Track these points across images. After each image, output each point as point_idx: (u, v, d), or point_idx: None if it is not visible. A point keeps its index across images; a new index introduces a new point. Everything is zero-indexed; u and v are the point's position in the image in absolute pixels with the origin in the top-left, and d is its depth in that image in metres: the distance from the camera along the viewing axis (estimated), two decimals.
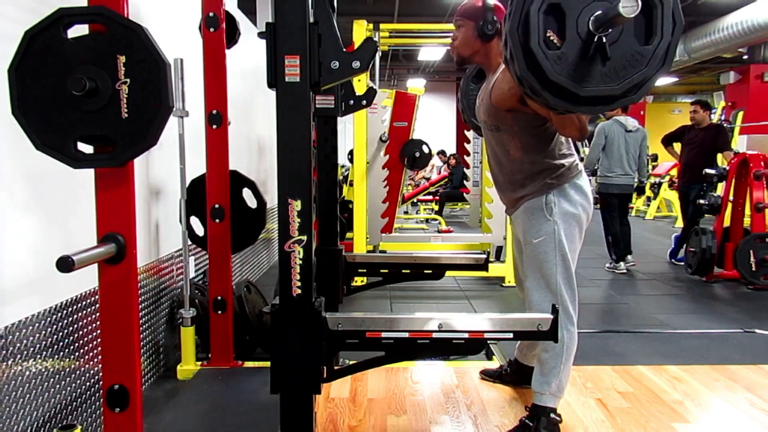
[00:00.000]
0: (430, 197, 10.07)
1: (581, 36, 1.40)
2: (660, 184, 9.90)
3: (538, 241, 1.93)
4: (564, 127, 1.75)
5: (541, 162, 1.93)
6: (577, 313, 1.97)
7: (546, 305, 1.91)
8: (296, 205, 1.41)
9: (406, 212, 9.50)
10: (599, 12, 1.37)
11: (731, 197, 5.17)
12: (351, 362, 1.81)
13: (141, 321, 2.64)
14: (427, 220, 9.22)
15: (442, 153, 12.13)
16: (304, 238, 1.42)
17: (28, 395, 1.79)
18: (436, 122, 15.12)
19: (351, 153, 5.35)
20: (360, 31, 4.73)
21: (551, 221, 1.91)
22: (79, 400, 2.09)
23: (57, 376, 1.95)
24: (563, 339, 1.91)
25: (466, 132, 6.01)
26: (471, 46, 2.01)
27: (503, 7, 1.94)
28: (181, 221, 2.74)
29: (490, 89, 1.96)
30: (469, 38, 2.00)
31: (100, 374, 1.71)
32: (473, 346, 1.60)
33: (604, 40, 1.38)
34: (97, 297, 1.83)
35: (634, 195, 5.99)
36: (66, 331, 2.01)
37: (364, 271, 2.74)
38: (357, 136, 4.90)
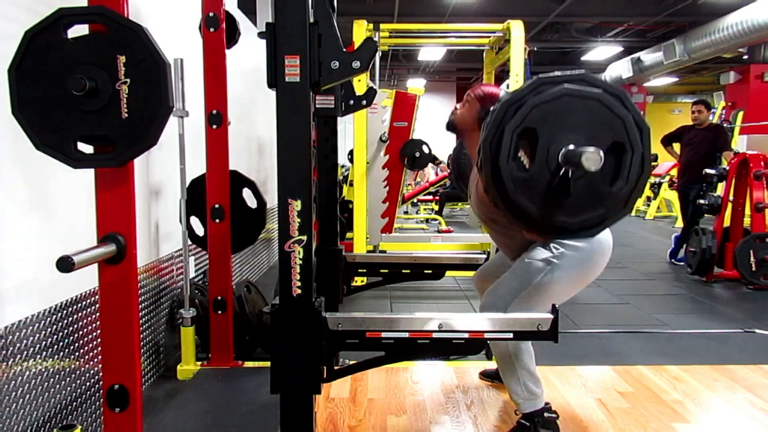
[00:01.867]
0: (430, 197, 10.06)
1: (549, 165, 1.44)
2: (660, 184, 9.90)
3: (530, 261, 1.84)
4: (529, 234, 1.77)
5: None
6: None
7: (494, 312, 1.86)
8: (296, 205, 1.41)
9: (406, 212, 9.50)
10: (569, 149, 1.38)
11: (731, 197, 5.17)
12: (351, 362, 1.81)
13: (141, 321, 2.63)
14: (427, 220, 9.22)
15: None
16: (304, 238, 1.42)
17: (28, 395, 1.79)
18: (436, 122, 15.12)
19: (351, 153, 5.35)
20: (360, 31, 4.72)
21: (554, 256, 1.80)
22: (79, 400, 2.09)
23: (57, 376, 1.95)
24: (507, 347, 1.91)
25: None
26: (468, 125, 2.06)
27: None
28: (181, 221, 2.74)
29: (476, 184, 1.95)
30: (469, 117, 2.04)
31: (100, 374, 1.72)
32: (473, 346, 1.60)
33: (570, 174, 1.39)
34: (97, 297, 1.83)
35: None
36: (66, 331, 2.01)
37: (364, 271, 2.74)
38: (357, 136, 4.89)
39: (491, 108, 1.59)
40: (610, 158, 1.42)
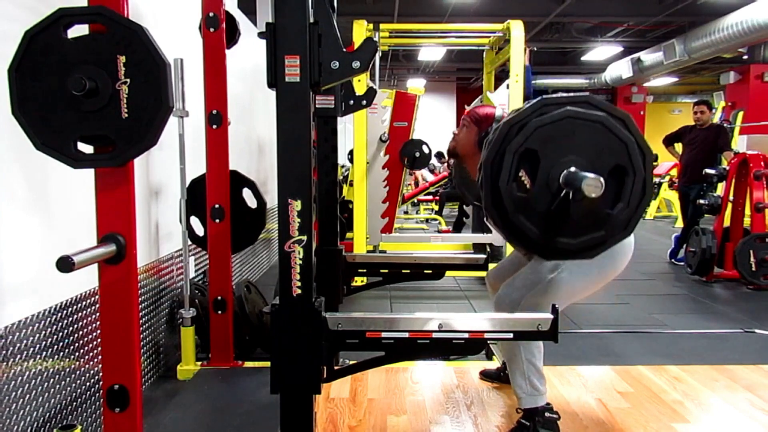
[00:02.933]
0: (430, 197, 10.06)
1: (550, 187, 1.44)
2: (660, 184, 9.90)
3: (545, 261, 1.87)
4: None
5: None
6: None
7: (508, 302, 1.92)
8: (296, 205, 1.41)
9: (406, 212, 9.51)
10: (571, 171, 1.38)
11: (731, 197, 5.17)
12: (351, 362, 1.81)
13: (141, 321, 2.63)
14: (427, 220, 9.22)
15: (439, 155, 12.09)
16: (304, 238, 1.42)
17: (28, 395, 1.79)
18: (436, 122, 15.12)
19: (351, 153, 5.35)
20: (360, 31, 4.72)
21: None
22: (79, 400, 2.09)
23: (57, 376, 1.95)
24: (518, 341, 1.91)
25: None
26: (468, 150, 2.07)
27: None
28: (181, 221, 2.74)
29: None
30: (469, 141, 2.05)
31: (100, 374, 1.72)
32: (473, 346, 1.60)
33: (571, 196, 1.39)
34: (97, 297, 1.83)
35: None
36: (66, 331, 2.01)
37: (364, 271, 2.74)
38: (357, 136, 4.89)
39: (494, 127, 1.60)
40: (612, 181, 1.42)
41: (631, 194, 1.45)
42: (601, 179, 1.32)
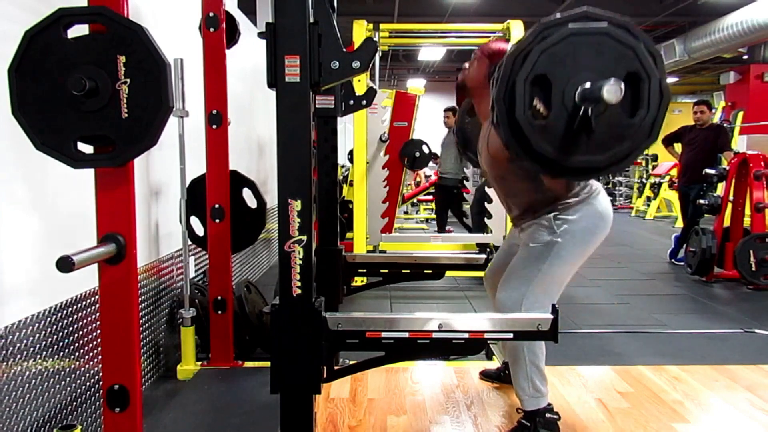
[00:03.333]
0: (430, 197, 10.05)
1: (567, 107, 1.40)
2: (660, 184, 9.90)
3: (534, 246, 1.91)
4: (550, 181, 1.78)
5: (553, 195, 1.92)
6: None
7: (510, 303, 1.91)
8: (296, 205, 1.41)
9: (406, 212, 9.50)
10: (586, 87, 1.37)
11: (731, 197, 5.17)
12: (351, 362, 1.81)
13: (141, 321, 2.63)
14: (427, 220, 9.21)
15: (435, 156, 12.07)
16: (304, 238, 1.42)
17: (28, 395, 1.79)
18: (436, 122, 15.12)
19: (351, 153, 5.35)
20: (360, 31, 4.72)
21: (556, 234, 1.88)
22: (79, 400, 2.09)
23: (57, 376, 1.95)
24: (521, 343, 1.91)
25: None
26: (477, 83, 2.03)
27: None
28: (181, 221, 2.74)
29: (487, 141, 1.97)
30: (479, 75, 2.02)
31: (100, 374, 1.71)
32: (473, 346, 1.60)
33: (590, 112, 1.37)
34: (97, 297, 1.83)
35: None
36: (66, 331, 2.01)
37: (364, 271, 2.74)
38: (357, 136, 4.89)
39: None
40: (627, 90, 1.39)
41: (650, 98, 1.41)
42: (621, 82, 1.29)
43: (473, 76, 2.05)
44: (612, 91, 1.28)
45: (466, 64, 2.10)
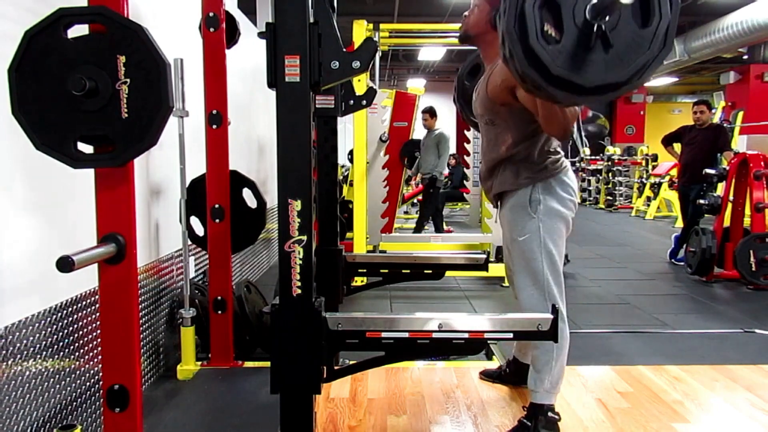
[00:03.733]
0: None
1: (579, 26, 1.38)
2: (660, 184, 9.90)
3: (524, 238, 1.95)
4: (549, 125, 1.76)
5: (524, 156, 1.95)
6: (566, 309, 1.99)
7: (535, 302, 1.95)
8: (296, 205, 1.41)
9: (406, 212, 9.50)
10: (593, 2, 1.35)
11: (731, 197, 5.17)
12: (351, 362, 1.81)
13: (141, 321, 2.64)
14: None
15: None
16: (304, 238, 1.42)
17: (28, 395, 1.79)
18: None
19: (351, 153, 5.35)
20: (360, 31, 4.73)
21: (536, 218, 1.93)
22: (79, 400, 2.09)
23: (57, 376, 1.95)
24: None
25: (465, 132, 6.02)
26: (480, 29, 2.02)
27: None
28: (181, 221, 2.74)
29: (486, 81, 1.98)
30: (481, 20, 2.01)
31: (100, 374, 1.71)
32: (473, 346, 1.60)
33: (604, 27, 1.36)
34: (97, 297, 1.83)
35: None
36: (66, 331, 2.01)
37: (364, 271, 2.74)
38: (357, 136, 4.90)
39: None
40: (637, 2, 1.38)
41: (661, 4, 1.40)
42: None
43: (475, 21, 2.03)
44: None
45: (466, 13, 2.09)
